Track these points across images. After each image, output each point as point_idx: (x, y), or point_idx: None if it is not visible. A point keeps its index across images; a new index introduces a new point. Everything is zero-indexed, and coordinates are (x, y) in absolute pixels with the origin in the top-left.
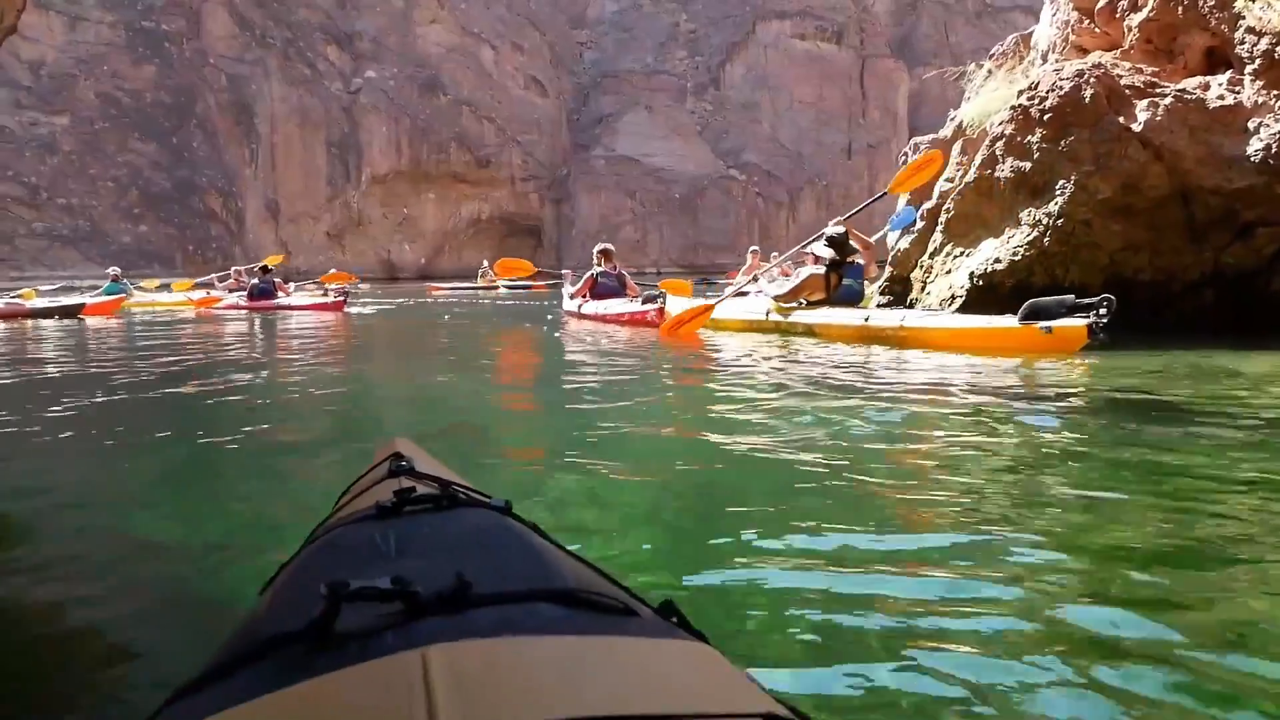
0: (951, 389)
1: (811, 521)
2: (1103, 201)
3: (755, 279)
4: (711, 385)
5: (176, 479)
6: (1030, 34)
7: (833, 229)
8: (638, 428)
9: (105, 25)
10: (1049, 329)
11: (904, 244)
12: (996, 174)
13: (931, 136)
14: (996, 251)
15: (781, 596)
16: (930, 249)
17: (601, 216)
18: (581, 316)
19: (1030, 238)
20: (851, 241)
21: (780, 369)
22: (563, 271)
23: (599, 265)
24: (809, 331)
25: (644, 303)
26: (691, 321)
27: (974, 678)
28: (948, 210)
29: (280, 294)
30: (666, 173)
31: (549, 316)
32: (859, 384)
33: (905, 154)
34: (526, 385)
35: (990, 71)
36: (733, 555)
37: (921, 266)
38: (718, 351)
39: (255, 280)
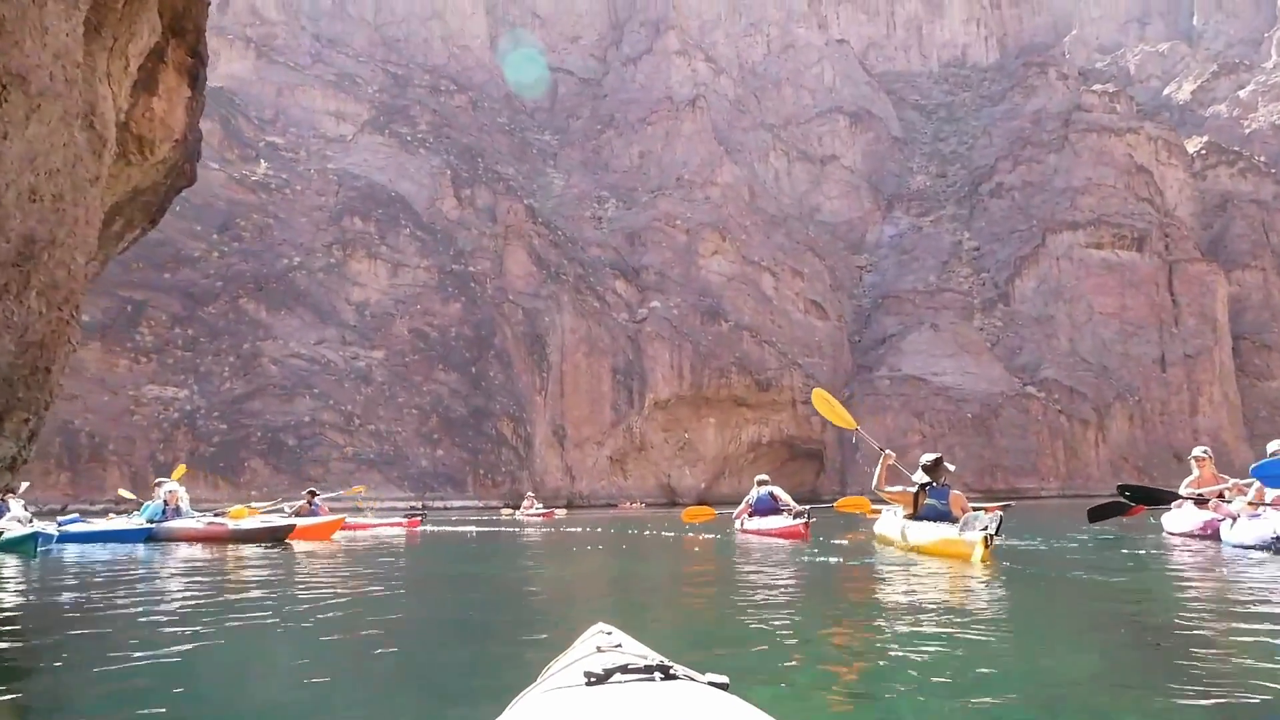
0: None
1: None
2: None
3: (1221, 496)
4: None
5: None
6: None
7: (927, 456)
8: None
9: (421, 269)
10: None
11: None
12: None
13: None
14: None
15: None
16: None
17: (888, 438)
18: (745, 531)
19: None
20: (947, 464)
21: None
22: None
23: (756, 490)
24: (888, 542)
25: (794, 518)
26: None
27: None
28: None
29: (320, 514)
30: (956, 391)
31: (726, 533)
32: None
33: None
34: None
35: None
36: None
37: None
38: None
39: (303, 502)
